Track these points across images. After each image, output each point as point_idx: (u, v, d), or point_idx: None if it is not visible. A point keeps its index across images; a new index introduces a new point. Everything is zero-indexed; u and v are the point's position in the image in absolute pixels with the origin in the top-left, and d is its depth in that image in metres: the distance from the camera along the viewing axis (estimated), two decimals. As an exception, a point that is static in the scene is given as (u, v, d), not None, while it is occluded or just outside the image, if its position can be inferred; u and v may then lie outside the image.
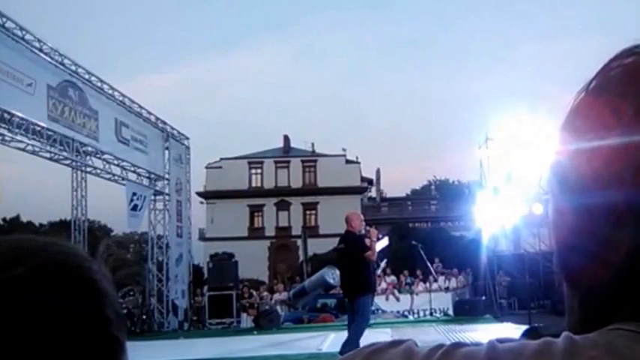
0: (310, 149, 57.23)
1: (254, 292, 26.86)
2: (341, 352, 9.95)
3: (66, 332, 0.65)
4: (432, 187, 69.75)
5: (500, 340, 0.53)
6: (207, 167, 53.93)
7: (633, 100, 0.55)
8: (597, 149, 0.55)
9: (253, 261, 41.05)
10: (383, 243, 13.73)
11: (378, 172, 61.98)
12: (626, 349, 0.49)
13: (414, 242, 21.94)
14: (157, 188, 22.55)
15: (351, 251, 10.18)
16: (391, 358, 0.55)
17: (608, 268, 0.55)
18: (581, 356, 0.49)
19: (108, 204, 21.18)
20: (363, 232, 10.48)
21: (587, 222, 0.56)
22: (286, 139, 58.58)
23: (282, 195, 54.46)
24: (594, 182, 0.55)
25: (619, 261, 0.54)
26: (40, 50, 15.90)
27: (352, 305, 10.33)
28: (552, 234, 0.62)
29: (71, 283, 0.68)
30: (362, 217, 10.76)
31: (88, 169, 19.12)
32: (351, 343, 9.92)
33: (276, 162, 55.84)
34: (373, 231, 10.54)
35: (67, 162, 17.82)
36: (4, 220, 46.90)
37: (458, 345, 0.54)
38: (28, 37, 15.49)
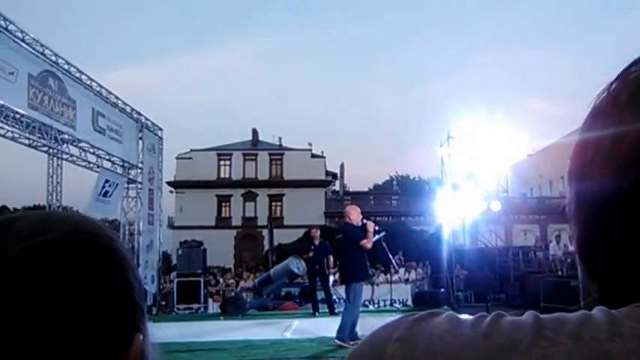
0: (278, 143, 57.70)
1: (220, 280, 27.36)
2: (337, 338, 10.42)
3: (96, 294, 0.68)
4: (394, 182, 70.51)
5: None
6: (177, 158, 54.08)
7: None
8: (620, 139, 0.57)
9: (220, 249, 41.41)
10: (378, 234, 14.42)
11: (342, 166, 62.60)
12: None
13: (377, 228, 22.21)
14: (131, 176, 22.80)
15: (347, 240, 10.76)
16: (437, 326, 0.55)
17: (629, 252, 0.56)
18: (622, 326, 0.51)
19: (82, 191, 21.36)
20: (360, 224, 10.94)
21: (610, 208, 0.57)
22: (255, 132, 58.98)
23: (249, 186, 54.83)
24: (620, 169, 0.57)
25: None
26: (23, 40, 16.09)
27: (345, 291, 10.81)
28: (573, 222, 0.63)
29: (99, 250, 0.71)
30: (359, 210, 11.26)
31: (65, 157, 19.31)
32: (343, 330, 10.33)
33: (244, 154, 56.22)
34: (370, 223, 11.01)
35: (45, 149, 18.05)
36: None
37: (502, 314, 0.55)
38: (11, 27, 15.77)
